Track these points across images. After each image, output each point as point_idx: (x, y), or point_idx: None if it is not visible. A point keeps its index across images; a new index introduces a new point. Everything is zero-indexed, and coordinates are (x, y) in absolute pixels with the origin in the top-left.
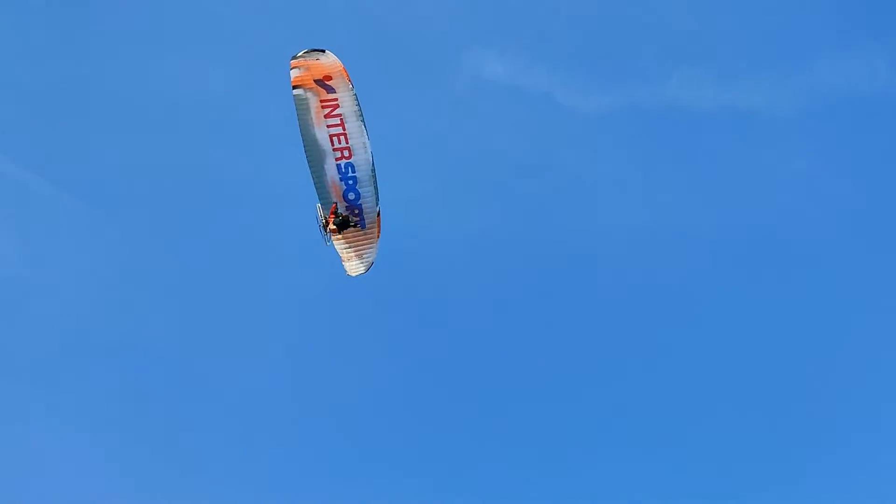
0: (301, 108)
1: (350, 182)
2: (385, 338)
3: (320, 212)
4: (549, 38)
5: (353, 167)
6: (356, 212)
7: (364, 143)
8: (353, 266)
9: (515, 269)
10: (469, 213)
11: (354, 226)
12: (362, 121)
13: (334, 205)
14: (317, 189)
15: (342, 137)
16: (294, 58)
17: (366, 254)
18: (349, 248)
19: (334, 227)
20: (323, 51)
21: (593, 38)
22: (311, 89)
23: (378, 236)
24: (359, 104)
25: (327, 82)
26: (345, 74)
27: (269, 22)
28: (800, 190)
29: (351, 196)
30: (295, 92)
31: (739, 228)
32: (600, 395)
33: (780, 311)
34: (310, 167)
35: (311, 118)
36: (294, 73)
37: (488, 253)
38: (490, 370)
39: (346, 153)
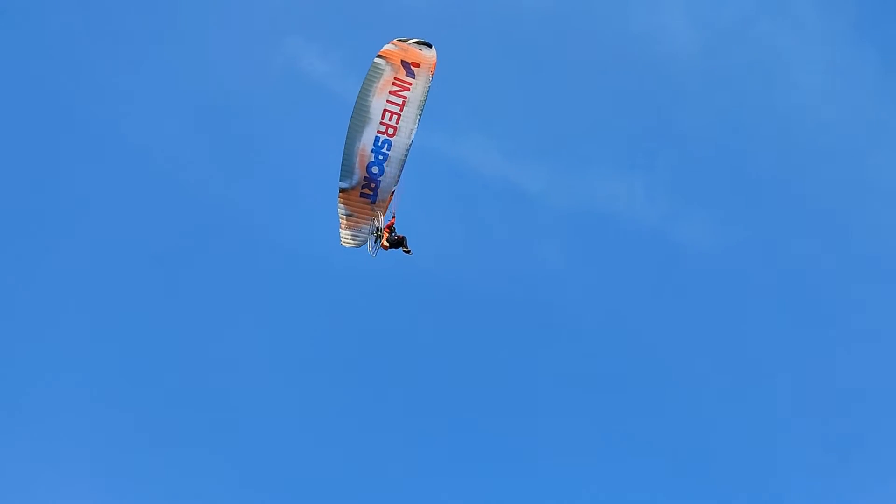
0: (373, 75)
1: (380, 158)
2: None
3: (377, 223)
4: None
5: (389, 145)
6: (373, 185)
7: (412, 129)
8: (348, 237)
9: None
10: None
11: (407, 252)
12: (421, 113)
13: (393, 220)
14: (344, 154)
15: (395, 116)
16: (400, 39)
17: (364, 229)
18: (351, 216)
19: (387, 243)
20: (430, 46)
21: None
22: (392, 64)
23: (383, 215)
24: (426, 98)
25: (412, 67)
26: (432, 69)
27: None
28: (544, 275)
29: (374, 170)
30: (376, 60)
31: (480, 291)
32: None
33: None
34: (348, 132)
35: (376, 87)
36: (387, 47)
37: None
38: None
39: (390, 131)
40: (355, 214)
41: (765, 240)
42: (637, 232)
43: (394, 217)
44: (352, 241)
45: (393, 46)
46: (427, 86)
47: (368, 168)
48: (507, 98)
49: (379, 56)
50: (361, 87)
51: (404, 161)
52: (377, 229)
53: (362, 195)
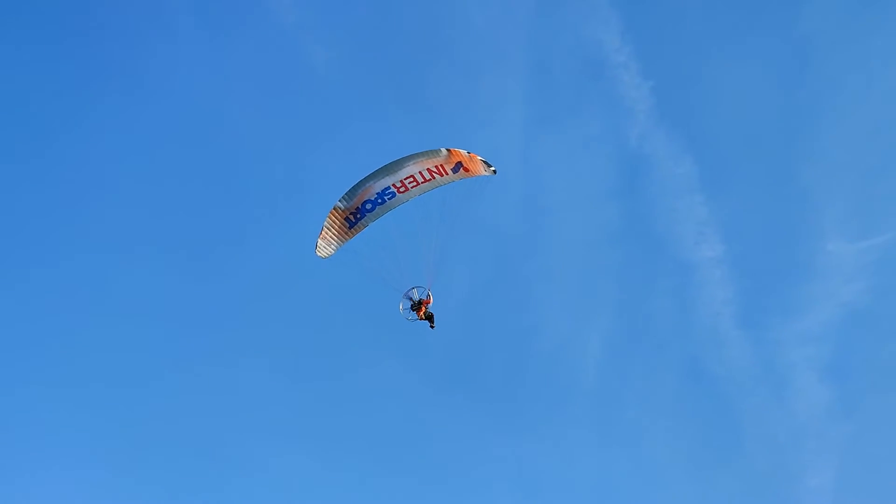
0: (427, 154)
1: (379, 200)
2: None
3: (417, 296)
4: None
5: (392, 195)
6: (357, 215)
7: (411, 197)
8: (322, 245)
9: None
10: None
11: (432, 327)
12: (430, 192)
13: (430, 300)
14: (357, 184)
15: (415, 183)
16: (482, 159)
17: (334, 244)
18: (330, 231)
19: (423, 315)
20: (494, 172)
21: None
22: (450, 158)
23: (352, 237)
24: (443, 188)
25: (462, 168)
26: (471, 175)
27: None
28: None
29: (367, 206)
30: (441, 149)
31: None
32: None
33: None
34: (372, 172)
35: (421, 161)
36: (459, 149)
37: None
38: None
39: (401, 189)
40: (332, 230)
41: None
42: None
43: (430, 298)
44: (323, 252)
45: (465, 152)
46: (453, 181)
47: (364, 203)
48: None
49: (446, 148)
50: (411, 155)
51: (390, 210)
52: (419, 301)
53: (346, 218)
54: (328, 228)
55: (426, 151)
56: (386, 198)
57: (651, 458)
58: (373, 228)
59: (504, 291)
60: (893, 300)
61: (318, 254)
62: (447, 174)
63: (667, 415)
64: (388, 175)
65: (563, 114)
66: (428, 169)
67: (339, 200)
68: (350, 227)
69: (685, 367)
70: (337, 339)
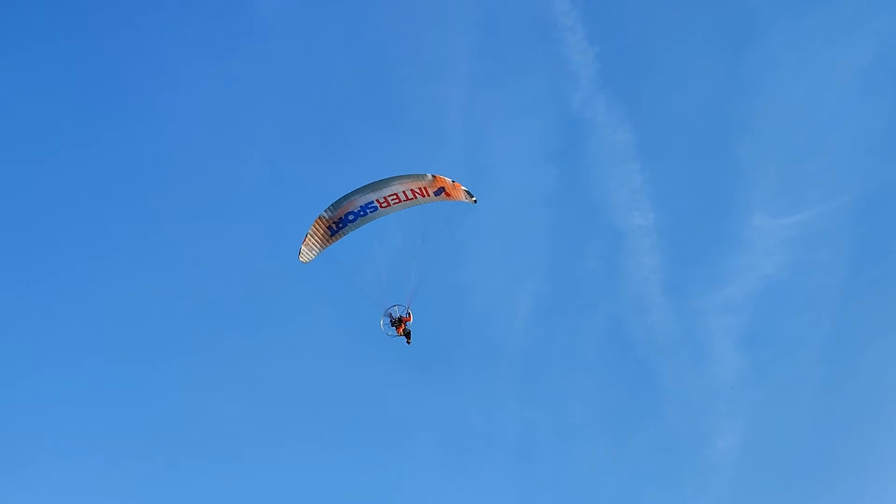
0: (413, 176)
1: (361, 213)
2: None
3: (397, 313)
4: None
5: (374, 209)
6: (339, 224)
7: (391, 212)
8: (305, 251)
9: None
10: None
11: (408, 342)
12: (407, 209)
13: (409, 318)
14: (343, 196)
15: (397, 201)
16: (465, 190)
17: (315, 249)
18: (313, 238)
19: (401, 332)
20: (475, 201)
21: None
22: (434, 182)
23: (332, 244)
24: (420, 207)
25: (443, 192)
26: (451, 199)
27: None
28: None
29: (350, 217)
30: (426, 173)
31: None
32: None
33: None
34: (359, 187)
35: (406, 182)
36: (444, 176)
37: None
38: None
39: (384, 204)
40: (316, 237)
41: None
42: None
43: (410, 316)
44: (305, 257)
45: (449, 180)
46: (432, 203)
47: (347, 214)
48: None
49: (432, 174)
50: (397, 175)
51: (366, 223)
52: (400, 318)
53: (328, 227)
54: (312, 236)
55: (412, 175)
56: (368, 211)
57: (572, 417)
58: (360, 242)
59: (436, 247)
60: (809, 275)
61: (301, 259)
62: (427, 195)
63: (589, 375)
64: (372, 191)
65: (507, 73)
66: (411, 189)
67: (325, 210)
68: (332, 235)
69: (610, 330)
70: (273, 299)
